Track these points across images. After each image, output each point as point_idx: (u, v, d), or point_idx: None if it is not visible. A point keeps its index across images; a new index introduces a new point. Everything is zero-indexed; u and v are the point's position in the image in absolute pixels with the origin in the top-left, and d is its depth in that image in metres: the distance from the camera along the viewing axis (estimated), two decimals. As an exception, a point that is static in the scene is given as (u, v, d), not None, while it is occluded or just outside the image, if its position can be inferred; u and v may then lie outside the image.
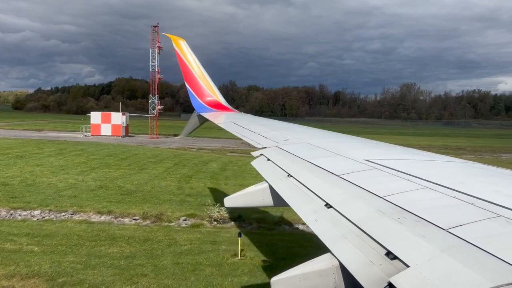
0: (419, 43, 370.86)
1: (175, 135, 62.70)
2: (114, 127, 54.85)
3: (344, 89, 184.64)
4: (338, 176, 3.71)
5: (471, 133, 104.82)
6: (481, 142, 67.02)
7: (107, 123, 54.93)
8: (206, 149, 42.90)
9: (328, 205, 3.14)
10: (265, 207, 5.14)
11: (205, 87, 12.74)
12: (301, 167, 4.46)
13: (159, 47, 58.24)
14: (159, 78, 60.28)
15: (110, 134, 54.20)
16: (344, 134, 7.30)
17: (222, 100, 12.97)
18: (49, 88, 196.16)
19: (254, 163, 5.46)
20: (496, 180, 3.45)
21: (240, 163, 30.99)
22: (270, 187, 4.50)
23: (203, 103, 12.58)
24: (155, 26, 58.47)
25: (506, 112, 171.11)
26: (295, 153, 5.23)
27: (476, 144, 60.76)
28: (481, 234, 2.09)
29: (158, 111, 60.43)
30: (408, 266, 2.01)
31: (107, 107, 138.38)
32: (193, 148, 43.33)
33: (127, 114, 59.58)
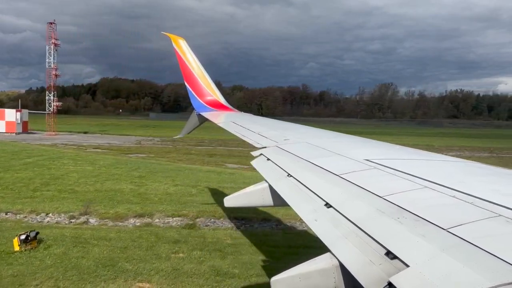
0: (419, 43, 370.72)
1: (85, 132, 64.90)
2: (8, 124, 56.62)
3: (329, 89, 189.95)
4: (338, 175, 3.71)
5: (420, 132, 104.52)
6: (408, 140, 65.28)
7: (1, 120, 56.65)
8: (81, 146, 42.84)
9: (328, 205, 3.14)
10: (265, 206, 5.13)
11: (204, 87, 12.72)
12: (301, 166, 4.46)
13: (54, 43, 58.97)
14: (55, 75, 61.22)
15: (4, 131, 55.78)
16: (344, 134, 7.30)
17: (222, 99, 12.95)
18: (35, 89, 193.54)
19: (253, 163, 5.46)
20: (496, 179, 3.46)
21: (51, 157, 31.51)
22: (270, 186, 4.50)
23: (203, 103, 12.56)
24: (51, 23, 59.93)
25: (489, 112, 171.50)
26: (295, 152, 5.23)
27: (402, 142, 59.53)
28: (481, 234, 2.10)
29: (55, 108, 62.07)
30: (408, 266, 2.01)
31: (85, 107, 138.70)
32: (64, 145, 43.53)
33: (26, 111, 61.60)
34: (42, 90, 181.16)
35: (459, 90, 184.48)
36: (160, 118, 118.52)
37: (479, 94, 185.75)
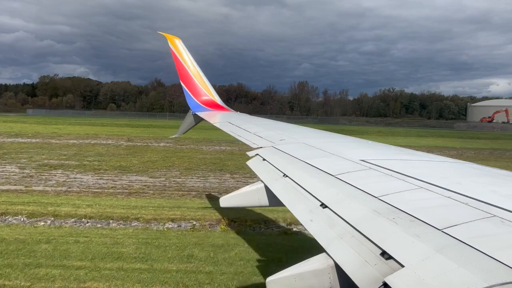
0: (412, 44, 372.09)
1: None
2: None
3: (270, 87, 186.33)
4: (333, 176, 3.72)
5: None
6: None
7: None
8: None
9: (323, 205, 3.14)
10: (261, 207, 5.12)
11: (200, 86, 12.71)
12: (297, 167, 4.46)
13: None
14: None
15: None
16: (340, 134, 7.32)
17: (217, 99, 12.96)
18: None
19: (249, 163, 5.45)
20: (490, 180, 3.47)
21: None
22: (266, 187, 4.49)
23: (199, 102, 12.56)
24: None
25: (421, 111, 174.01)
26: (290, 153, 5.23)
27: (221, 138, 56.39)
28: (475, 234, 2.10)
29: None
30: (403, 266, 2.02)
31: (5, 104, 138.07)
32: None
33: None
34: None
35: (391, 90, 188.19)
36: (38, 113, 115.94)
37: (412, 93, 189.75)
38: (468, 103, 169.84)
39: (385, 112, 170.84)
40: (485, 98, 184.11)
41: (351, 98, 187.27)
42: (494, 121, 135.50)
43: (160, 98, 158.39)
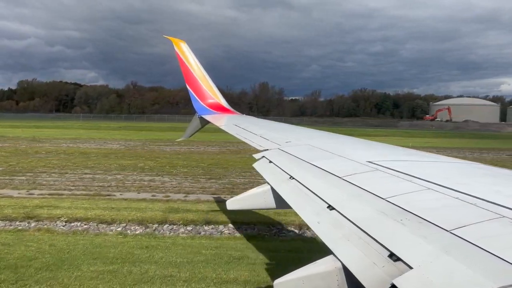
0: (420, 45, 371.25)
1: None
2: None
3: (228, 88, 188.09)
4: (340, 178, 3.71)
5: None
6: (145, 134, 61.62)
7: None
8: None
9: (330, 207, 3.14)
10: (268, 209, 5.12)
11: (206, 89, 12.75)
12: (303, 169, 4.46)
13: None
14: None
15: None
16: (346, 136, 7.31)
17: (223, 102, 12.99)
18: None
19: (256, 165, 5.45)
20: (498, 180, 3.44)
21: None
22: (272, 189, 4.49)
23: (205, 105, 12.60)
24: None
25: (393, 110, 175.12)
26: (297, 155, 5.23)
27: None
28: (484, 235, 2.09)
29: None
30: (411, 268, 2.01)
31: None
32: None
33: None
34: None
35: (363, 90, 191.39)
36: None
37: (385, 92, 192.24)
38: (431, 102, 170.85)
39: (356, 112, 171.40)
40: (496, 98, 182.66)
41: (322, 99, 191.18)
42: (437, 119, 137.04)
43: (120, 101, 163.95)
